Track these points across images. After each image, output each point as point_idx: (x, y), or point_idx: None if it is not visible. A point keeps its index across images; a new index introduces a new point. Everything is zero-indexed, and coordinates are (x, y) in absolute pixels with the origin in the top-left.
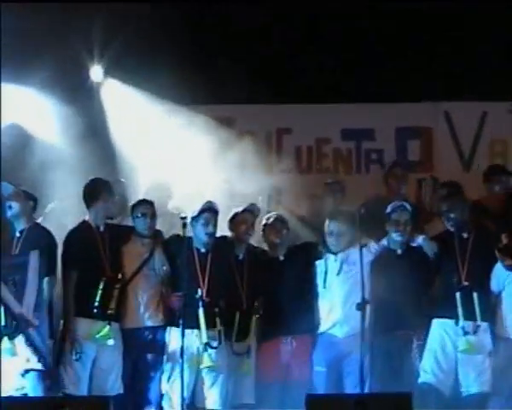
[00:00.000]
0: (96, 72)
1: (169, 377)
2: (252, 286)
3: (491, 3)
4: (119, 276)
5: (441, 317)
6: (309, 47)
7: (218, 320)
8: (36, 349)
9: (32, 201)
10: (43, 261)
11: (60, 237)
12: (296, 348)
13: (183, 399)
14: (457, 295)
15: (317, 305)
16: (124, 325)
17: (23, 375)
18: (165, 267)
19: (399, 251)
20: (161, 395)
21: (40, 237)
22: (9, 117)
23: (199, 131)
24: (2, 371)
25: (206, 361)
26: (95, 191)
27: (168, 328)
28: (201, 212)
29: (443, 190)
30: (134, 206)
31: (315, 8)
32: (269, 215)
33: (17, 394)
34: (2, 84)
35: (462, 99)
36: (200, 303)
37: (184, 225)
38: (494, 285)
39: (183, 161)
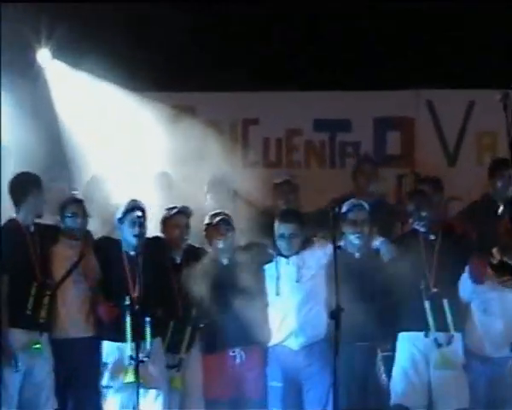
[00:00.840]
0: (43, 55)
1: (107, 397)
2: (190, 293)
3: None
4: (49, 281)
5: (408, 330)
6: (278, 29)
7: (147, 331)
8: None
9: None
10: None
11: None
12: (246, 360)
13: None
14: (426, 303)
15: (267, 314)
16: (54, 336)
17: None
18: (95, 272)
19: (357, 254)
20: None
21: None
22: None
23: (155, 120)
24: None
25: (129, 377)
26: (24, 187)
27: (100, 341)
28: (126, 212)
29: (423, 187)
30: (63, 204)
31: None
32: (213, 214)
33: None
34: None
35: (446, 87)
36: (128, 312)
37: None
38: (461, 294)
39: (137, 152)
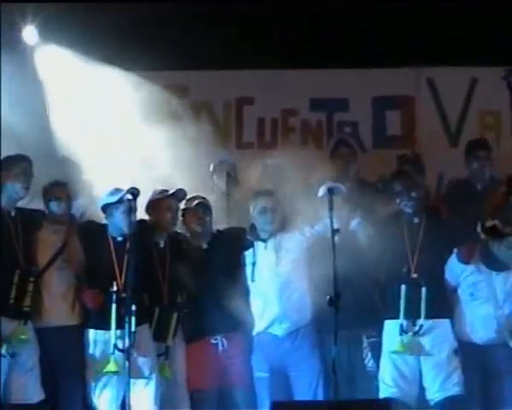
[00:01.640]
0: (29, 33)
1: (95, 388)
2: (174, 278)
3: None
4: (34, 268)
5: (394, 317)
6: (273, 6)
7: (133, 319)
8: None
9: None
10: None
11: None
12: (229, 348)
13: None
14: (402, 287)
15: (248, 300)
16: (38, 324)
17: None
18: (80, 259)
19: (337, 238)
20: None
21: None
22: None
23: (147, 100)
24: None
25: (112, 366)
26: (7, 170)
27: (85, 329)
28: (122, 198)
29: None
30: (47, 188)
31: None
32: (190, 198)
33: None
34: None
35: (447, 64)
36: (114, 298)
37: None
38: (449, 279)
39: (129, 133)
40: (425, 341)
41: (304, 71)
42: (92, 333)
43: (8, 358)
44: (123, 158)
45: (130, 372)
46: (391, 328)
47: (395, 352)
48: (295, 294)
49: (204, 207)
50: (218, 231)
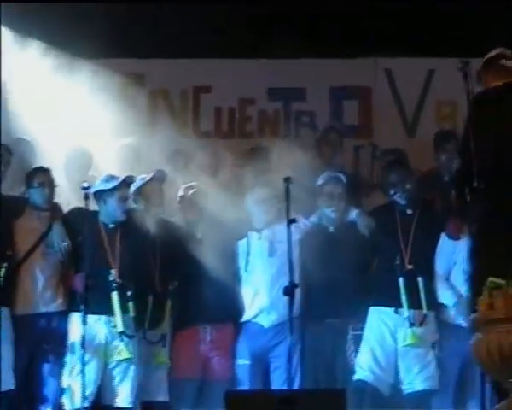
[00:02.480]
0: None
1: (71, 371)
2: (166, 266)
3: None
4: (8, 253)
5: (379, 305)
6: None
7: (131, 305)
8: None
9: None
10: None
11: None
12: (216, 338)
13: (84, 396)
14: (400, 280)
15: (240, 290)
16: (16, 311)
17: None
18: (65, 244)
19: (332, 228)
20: (62, 391)
21: None
22: None
23: (103, 88)
24: None
25: (124, 353)
26: None
27: (70, 314)
28: (119, 186)
29: (386, 158)
30: (29, 174)
31: None
32: (188, 186)
33: None
34: None
35: (405, 55)
36: (114, 286)
37: (87, 197)
38: (441, 265)
39: (84, 121)
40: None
41: (262, 60)
42: (81, 317)
43: None
44: (80, 145)
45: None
46: (375, 315)
47: (408, 345)
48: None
49: (202, 195)
50: (213, 220)
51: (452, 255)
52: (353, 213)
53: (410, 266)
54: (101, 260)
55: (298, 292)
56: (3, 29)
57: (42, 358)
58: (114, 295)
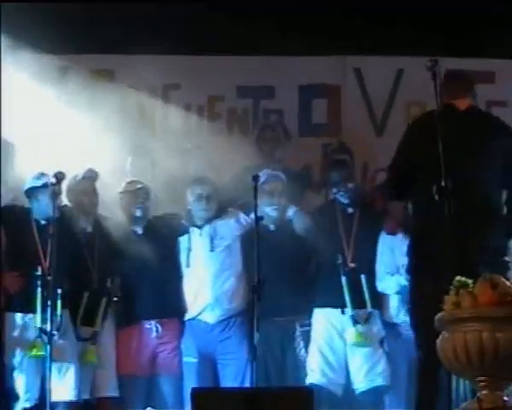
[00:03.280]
0: None
1: (12, 371)
2: (104, 263)
3: None
4: None
5: (324, 306)
6: None
7: (59, 303)
8: None
9: None
10: None
11: None
12: (162, 334)
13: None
14: (343, 279)
15: (182, 286)
16: None
17: None
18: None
19: (273, 227)
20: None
21: None
22: None
23: (73, 84)
24: None
25: (38, 350)
26: None
27: (4, 314)
28: (50, 182)
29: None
30: None
31: None
32: (130, 181)
33: None
34: None
35: (374, 53)
36: (40, 283)
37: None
38: (383, 261)
39: (50, 118)
40: (368, 329)
41: (231, 58)
42: (15, 316)
43: None
44: (48, 143)
45: (56, 356)
46: (321, 316)
47: (354, 344)
48: (229, 281)
49: (144, 191)
50: (154, 217)
51: (393, 251)
52: (290, 211)
53: (352, 265)
54: (33, 257)
55: (242, 288)
56: None
57: None
58: (38, 292)
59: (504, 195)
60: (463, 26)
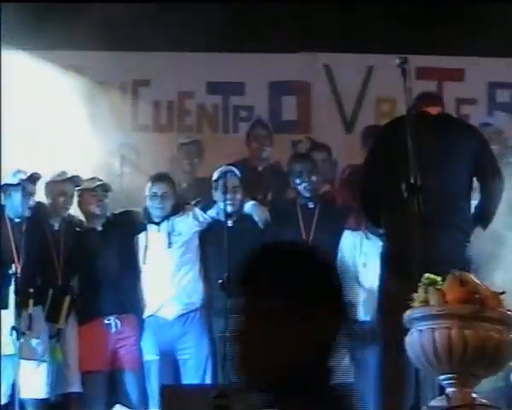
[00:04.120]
0: None
1: None
2: (69, 261)
3: None
4: None
5: None
6: None
7: (31, 301)
8: None
9: None
10: None
11: None
12: (122, 329)
13: None
14: None
15: (140, 283)
16: None
17: None
18: None
19: (230, 222)
20: None
21: None
22: None
23: (42, 80)
24: None
25: (9, 348)
26: None
27: None
28: (25, 181)
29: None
30: None
31: None
32: (89, 178)
33: None
34: None
35: (344, 51)
36: (13, 280)
37: None
38: (344, 257)
39: (22, 114)
40: None
41: (201, 54)
42: None
43: None
44: (18, 140)
45: (27, 355)
46: None
47: None
48: (186, 277)
49: (103, 188)
50: (113, 214)
51: (355, 248)
52: (248, 205)
53: None
54: (7, 254)
55: (200, 284)
56: None
57: None
58: (11, 290)
59: (477, 188)
60: (433, 24)
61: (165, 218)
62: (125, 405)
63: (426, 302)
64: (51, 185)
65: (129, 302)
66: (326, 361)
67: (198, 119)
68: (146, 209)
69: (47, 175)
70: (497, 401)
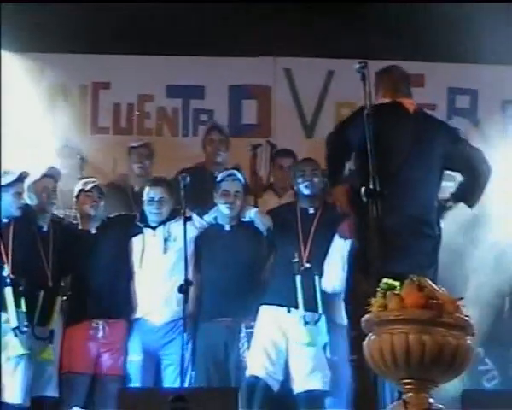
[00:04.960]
0: None
1: None
2: (59, 262)
3: None
4: None
5: (271, 303)
6: None
7: (22, 301)
8: None
9: None
10: None
11: None
12: (108, 334)
13: None
14: (297, 278)
15: (133, 287)
16: None
17: None
18: None
19: (228, 226)
20: None
21: None
22: None
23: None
24: None
25: (18, 349)
26: None
27: None
28: (14, 181)
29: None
30: None
31: None
32: (85, 181)
33: None
34: None
35: (304, 55)
36: (8, 281)
37: None
38: (331, 262)
39: None
40: (316, 332)
41: (161, 57)
42: None
43: None
44: None
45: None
46: (267, 313)
47: (302, 344)
48: (179, 283)
49: (98, 190)
50: (108, 217)
51: (343, 257)
52: (251, 212)
53: (307, 265)
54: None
55: (191, 290)
56: None
57: None
58: (8, 291)
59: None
60: (393, 29)
61: (162, 223)
62: (100, 408)
63: (384, 307)
64: (33, 185)
65: (119, 308)
66: None
67: (158, 121)
68: (143, 213)
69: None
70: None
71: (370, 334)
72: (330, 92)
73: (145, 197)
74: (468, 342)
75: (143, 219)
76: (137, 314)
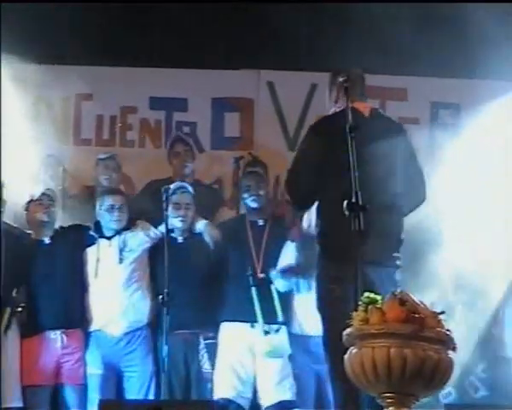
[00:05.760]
0: None
1: None
2: (10, 273)
3: None
4: None
5: (233, 320)
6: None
7: None
8: None
9: None
10: None
11: None
12: (67, 344)
13: None
14: (253, 290)
15: (88, 297)
16: None
17: None
18: None
19: (180, 239)
20: None
21: None
22: None
23: None
24: None
25: None
26: None
27: None
28: None
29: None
30: None
31: None
32: (32, 193)
33: None
34: None
35: (288, 68)
36: None
37: None
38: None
39: None
40: (279, 341)
41: (144, 69)
42: None
43: None
44: None
45: None
46: (230, 330)
47: (265, 354)
48: (136, 294)
49: (49, 197)
50: (61, 227)
51: (296, 254)
52: (200, 224)
53: (261, 275)
54: None
55: (148, 301)
56: None
57: None
58: None
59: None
60: (376, 43)
61: (118, 232)
62: None
63: (366, 321)
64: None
65: (76, 317)
66: None
67: (140, 133)
68: (98, 223)
69: None
70: None
71: (352, 348)
72: (313, 106)
73: (103, 206)
74: (450, 356)
75: (98, 229)
76: (95, 326)
